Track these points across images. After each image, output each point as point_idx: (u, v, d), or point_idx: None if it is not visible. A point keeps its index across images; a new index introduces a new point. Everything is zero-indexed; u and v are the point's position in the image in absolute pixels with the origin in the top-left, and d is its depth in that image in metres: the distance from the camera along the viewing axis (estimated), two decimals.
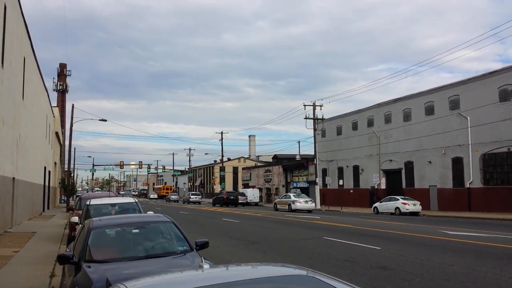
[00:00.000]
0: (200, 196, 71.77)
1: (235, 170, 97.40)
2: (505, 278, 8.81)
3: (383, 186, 46.42)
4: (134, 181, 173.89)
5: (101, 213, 11.28)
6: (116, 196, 20.51)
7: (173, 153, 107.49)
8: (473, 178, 36.05)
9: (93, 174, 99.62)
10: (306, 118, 49.62)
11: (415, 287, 8.20)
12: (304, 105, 49.91)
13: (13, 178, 19.47)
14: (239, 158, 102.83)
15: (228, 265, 3.18)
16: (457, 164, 37.70)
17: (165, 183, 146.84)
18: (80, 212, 13.75)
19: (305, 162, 62.27)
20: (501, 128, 33.47)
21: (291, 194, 42.90)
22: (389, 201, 36.43)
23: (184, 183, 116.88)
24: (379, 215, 34.25)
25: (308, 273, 2.70)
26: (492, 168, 34.90)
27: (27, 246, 13.69)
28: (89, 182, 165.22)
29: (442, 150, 38.98)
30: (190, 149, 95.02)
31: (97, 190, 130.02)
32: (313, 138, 51.24)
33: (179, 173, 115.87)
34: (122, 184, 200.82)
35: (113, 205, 12.63)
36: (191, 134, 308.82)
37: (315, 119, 49.70)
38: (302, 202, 38.89)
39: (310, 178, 58.31)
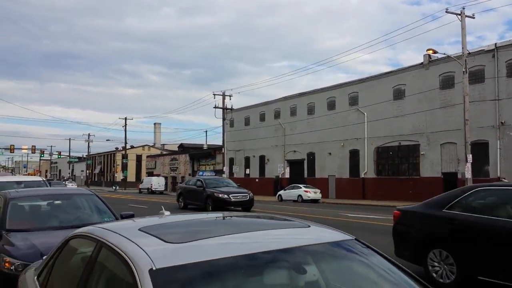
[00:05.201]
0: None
1: (139, 158, 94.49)
2: None
3: (287, 176, 48.47)
4: (24, 167, 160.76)
5: None
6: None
7: (69, 139, 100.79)
8: (367, 169, 39.19)
9: None
10: (215, 107, 49.82)
11: None
12: (214, 94, 50.05)
13: None
14: (143, 146, 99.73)
15: (183, 214, 3.35)
16: (354, 156, 40.67)
17: (60, 170, 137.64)
18: None
19: (212, 152, 62.59)
20: (393, 124, 36.76)
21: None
22: (292, 189, 38.23)
23: (82, 171, 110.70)
24: (283, 202, 35.78)
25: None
26: (384, 160, 38.23)
27: None
28: None
29: (341, 143, 41.75)
30: (89, 135, 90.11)
31: None
32: (220, 128, 51.70)
33: (76, 160, 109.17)
34: (10, 170, 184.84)
35: (19, 183, 11.83)
36: (89, 119, 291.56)
37: (224, 109, 50.14)
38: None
39: (217, 167, 58.80)
